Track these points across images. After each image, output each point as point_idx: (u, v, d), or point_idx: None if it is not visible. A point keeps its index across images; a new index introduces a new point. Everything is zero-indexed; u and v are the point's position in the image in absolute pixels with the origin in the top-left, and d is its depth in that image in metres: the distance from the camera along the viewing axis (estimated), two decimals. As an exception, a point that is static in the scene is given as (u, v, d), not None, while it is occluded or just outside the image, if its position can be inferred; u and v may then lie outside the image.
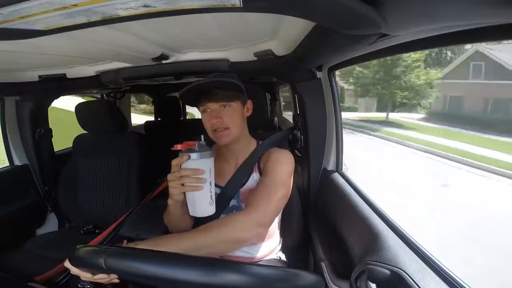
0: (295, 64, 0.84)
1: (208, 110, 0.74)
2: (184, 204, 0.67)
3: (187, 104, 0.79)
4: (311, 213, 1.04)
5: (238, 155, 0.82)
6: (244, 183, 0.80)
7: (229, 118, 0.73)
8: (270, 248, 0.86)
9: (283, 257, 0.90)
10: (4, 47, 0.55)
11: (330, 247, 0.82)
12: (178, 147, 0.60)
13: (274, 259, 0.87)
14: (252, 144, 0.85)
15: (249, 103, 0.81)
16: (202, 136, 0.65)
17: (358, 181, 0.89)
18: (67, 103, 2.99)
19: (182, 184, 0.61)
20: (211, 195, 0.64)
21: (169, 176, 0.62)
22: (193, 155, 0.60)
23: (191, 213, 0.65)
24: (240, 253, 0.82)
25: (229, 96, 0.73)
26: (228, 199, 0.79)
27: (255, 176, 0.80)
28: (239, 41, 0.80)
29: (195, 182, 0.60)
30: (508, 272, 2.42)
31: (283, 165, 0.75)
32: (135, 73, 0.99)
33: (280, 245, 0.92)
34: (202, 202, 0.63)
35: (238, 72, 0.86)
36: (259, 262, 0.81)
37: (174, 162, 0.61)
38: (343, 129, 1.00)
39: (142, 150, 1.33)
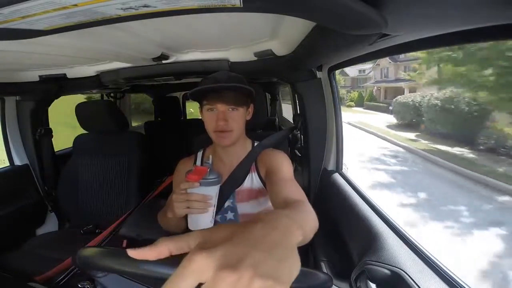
0: (295, 64, 0.84)
1: (214, 110, 0.73)
2: (183, 216, 0.67)
3: (191, 99, 0.77)
4: (311, 213, 1.03)
5: (233, 156, 0.82)
6: (240, 184, 0.80)
7: (234, 122, 0.73)
8: None
9: None
10: (4, 47, 0.56)
11: (330, 247, 0.82)
12: (192, 177, 0.59)
13: None
14: (247, 145, 0.85)
15: (251, 107, 0.81)
16: (211, 157, 0.64)
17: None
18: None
19: (188, 206, 0.61)
20: (213, 215, 0.64)
21: (175, 197, 0.61)
22: (204, 183, 0.59)
23: (190, 227, 0.66)
24: None
25: (239, 100, 0.73)
26: (223, 200, 0.79)
27: (253, 176, 0.80)
28: (239, 41, 0.80)
29: (203, 206, 0.61)
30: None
31: (288, 166, 0.75)
32: (135, 73, 1.00)
33: None
34: (204, 221, 0.64)
35: (238, 72, 0.87)
36: None
37: (182, 186, 0.60)
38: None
39: (142, 150, 1.33)
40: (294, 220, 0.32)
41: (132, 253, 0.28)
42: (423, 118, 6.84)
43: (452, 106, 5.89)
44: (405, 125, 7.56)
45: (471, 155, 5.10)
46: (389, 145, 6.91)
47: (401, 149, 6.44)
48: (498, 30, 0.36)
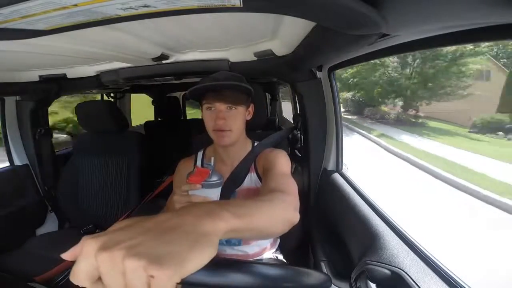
0: (295, 64, 0.84)
1: (213, 109, 0.73)
2: None
3: (191, 99, 0.75)
4: (311, 213, 1.04)
5: (234, 156, 0.82)
6: (241, 183, 0.80)
7: (233, 121, 0.73)
8: (263, 246, 0.85)
9: (280, 257, 0.89)
10: (4, 47, 0.55)
11: (330, 247, 0.83)
12: (193, 179, 0.59)
13: (271, 258, 0.87)
14: (248, 145, 0.85)
15: (251, 107, 0.81)
16: (212, 159, 0.64)
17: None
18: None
19: None
20: None
21: (176, 199, 0.61)
22: (206, 185, 0.59)
23: None
24: (233, 251, 0.82)
25: (237, 99, 0.73)
26: (224, 199, 0.79)
27: (252, 176, 0.80)
28: (239, 41, 0.80)
29: None
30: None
31: (284, 161, 0.75)
32: (135, 73, 0.99)
33: (277, 245, 0.92)
34: None
35: (238, 72, 0.87)
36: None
37: (184, 187, 0.60)
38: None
39: (142, 150, 1.33)
40: (224, 208, 0.32)
41: (66, 255, 0.27)
42: (349, 105, 13.77)
43: (354, 98, 12.73)
44: (344, 111, 13.81)
45: (354, 118, 11.55)
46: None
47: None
48: (498, 30, 0.36)
